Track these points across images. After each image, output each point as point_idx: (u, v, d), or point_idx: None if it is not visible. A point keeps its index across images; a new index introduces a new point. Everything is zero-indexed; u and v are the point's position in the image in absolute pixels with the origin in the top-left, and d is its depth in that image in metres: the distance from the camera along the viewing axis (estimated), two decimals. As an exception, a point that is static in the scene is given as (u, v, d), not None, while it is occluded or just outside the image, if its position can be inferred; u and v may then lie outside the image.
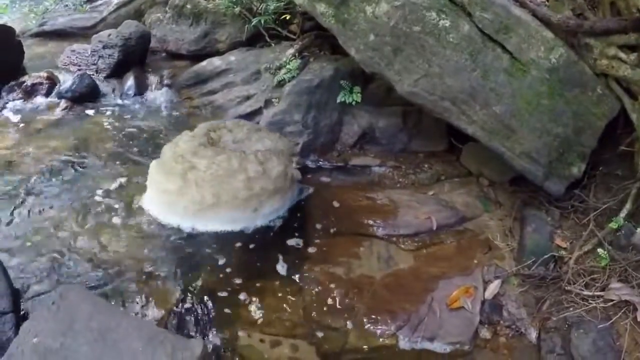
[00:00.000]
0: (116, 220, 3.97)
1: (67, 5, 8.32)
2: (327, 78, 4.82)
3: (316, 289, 3.45)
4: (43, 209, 4.07)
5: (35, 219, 3.95)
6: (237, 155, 3.92)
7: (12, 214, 4.02)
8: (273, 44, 5.71)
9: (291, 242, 3.85)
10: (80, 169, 4.60)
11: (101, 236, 3.79)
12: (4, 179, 4.44)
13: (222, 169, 3.81)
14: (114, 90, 5.92)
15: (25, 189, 4.31)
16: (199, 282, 3.46)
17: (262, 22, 5.55)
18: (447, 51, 3.81)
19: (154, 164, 4.09)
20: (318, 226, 4.01)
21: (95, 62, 6.13)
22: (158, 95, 5.86)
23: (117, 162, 4.69)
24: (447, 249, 3.85)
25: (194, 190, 3.80)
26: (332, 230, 3.97)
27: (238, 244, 3.77)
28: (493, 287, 3.45)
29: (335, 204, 4.25)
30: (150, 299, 3.30)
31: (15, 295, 3.00)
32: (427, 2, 3.89)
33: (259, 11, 5.80)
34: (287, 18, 5.53)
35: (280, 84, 5.01)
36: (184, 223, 3.88)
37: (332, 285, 3.47)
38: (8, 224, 3.90)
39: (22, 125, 5.35)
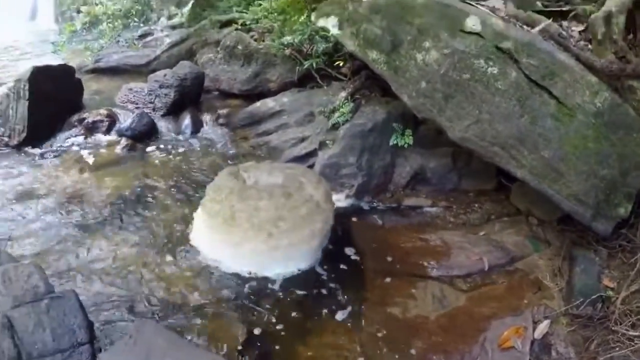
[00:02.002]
0: (173, 256, 4.38)
1: (118, 42, 8.93)
2: (379, 122, 5.21)
3: (373, 329, 3.75)
4: (109, 243, 4.51)
5: (102, 253, 4.40)
6: (281, 196, 4.25)
7: (78, 247, 4.46)
8: (324, 85, 6.18)
9: (346, 282, 4.18)
10: (143, 205, 5.07)
11: (163, 271, 4.21)
12: (70, 213, 4.93)
13: (265, 211, 4.14)
14: (171, 129, 6.47)
15: (90, 223, 4.79)
16: (260, 322, 3.77)
17: (314, 65, 6.03)
18: (496, 98, 4.18)
19: (202, 205, 4.49)
20: (373, 267, 4.33)
21: (152, 100, 6.72)
22: (214, 134, 6.38)
23: (177, 199, 5.16)
24: (498, 289, 4.14)
25: (239, 234, 4.16)
26: (387, 271, 4.28)
27: (292, 286, 4.11)
28: (542, 327, 3.69)
29: (390, 244, 4.58)
30: (216, 335, 3.62)
31: (91, 327, 3.28)
32: (475, 50, 4.28)
33: (308, 52, 6.30)
34: (341, 64, 5.99)
35: (334, 126, 5.43)
36: (234, 263, 4.25)
37: (389, 325, 3.79)
38: (75, 257, 4.34)
39: (85, 161, 5.91)
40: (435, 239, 4.64)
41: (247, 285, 4.11)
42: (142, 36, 9.84)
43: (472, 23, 4.33)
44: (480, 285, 4.18)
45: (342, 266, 4.35)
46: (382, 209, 5.13)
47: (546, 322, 3.74)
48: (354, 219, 4.96)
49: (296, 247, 4.23)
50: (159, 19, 11.03)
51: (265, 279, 4.16)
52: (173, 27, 10.45)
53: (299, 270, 4.27)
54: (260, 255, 4.18)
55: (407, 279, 4.23)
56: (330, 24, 5.28)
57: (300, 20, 6.39)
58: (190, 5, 10.69)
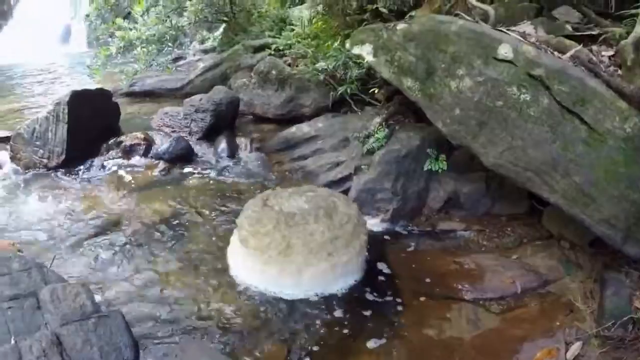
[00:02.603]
0: (213, 279, 4.57)
1: (152, 66, 9.27)
2: (414, 147, 5.43)
3: (410, 349, 3.91)
4: (150, 264, 4.74)
5: (143, 274, 4.60)
6: (324, 217, 4.46)
7: (120, 268, 4.71)
8: (358, 111, 6.43)
9: (383, 305, 4.34)
10: (182, 228, 5.31)
11: (204, 293, 4.39)
12: (111, 234, 5.20)
13: (320, 233, 4.33)
14: (207, 153, 6.76)
15: (130, 244, 5.04)
16: (299, 343, 3.91)
17: (349, 91, 6.28)
18: (529, 124, 4.35)
19: (243, 240, 4.58)
20: (409, 289, 4.51)
21: (188, 124, 7.04)
22: (249, 159, 6.63)
23: (215, 223, 5.39)
24: (531, 311, 4.26)
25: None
26: (423, 293, 4.44)
27: (328, 307, 4.27)
28: (574, 349, 3.80)
29: (425, 268, 4.76)
30: (257, 355, 3.80)
31: (136, 346, 3.45)
32: (508, 78, 4.47)
33: (342, 78, 6.56)
34: (375, 91, 6.24)
35: (370, 152, 5.65)
36: (269, 286, 4.42)
37: (425, 346, 3.93)
38: (117, 277, 4.58)
39: (123, 183, 6.20)
40: (469, 262, 4.80)
41: (277, 305, 4.29)
42: (175, 60, 10.27)
43: (504, 51, 4.52)
44: (513, 308, 4.29)
45: (379, 289, 4.52)
46: (416, 233, 5.32)
47: (578, 344, 3.85)
48: (389, 243, 5.15)
49: (351, 263, 4.51)
50: (191, 43, 11.44)
51: (296, 300, 4.35)
52: (205, 51, 10.90)
53: (355, 280, 4.55)
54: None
55: (442, 301, 4.39)
56: (365, 51, 5.54)
57: (333, 46, 6.63)
58: (221, 29, 11.11)
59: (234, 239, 4.71)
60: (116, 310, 3.66)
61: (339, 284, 4.48)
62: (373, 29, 5.65)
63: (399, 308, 4.32)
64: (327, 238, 4.34)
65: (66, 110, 6.59)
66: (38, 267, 3.91)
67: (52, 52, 18.10)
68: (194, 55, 11.12)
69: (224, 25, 11.00)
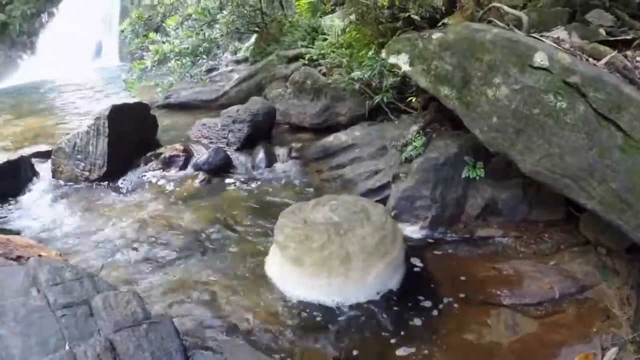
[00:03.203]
0: (254, 286, 4.77)
1: (184, 78, 9.56)
2: (452, 155, 5.60)
3: (449, 354, 4.08)
4: (195, 272, 4.99)
5: (189, 282, 4.86)
6: (366, 223, 4.69)
7: (166, 276, 4.96)
8: (395, 119, 6.62)
9: (422, 310, 4.50)
10: (223, 237, 5.55)
11: (248, 300, 4.61)
12: (155, 244, 5.46)
13: (370, 237, 4.57)
14: (245, 163, 7.01)
15: (174, 253, 5.29)
16: (344, 348, 4.11)
17: (385, 99, 6.48)
18: (565, 131, 4.48)
19: (280, 246, 4.80)
20: (448, 295, 4.66)
21: (226, 135, 7.33)
22: (287, 168, 6.88)
23: (256, 232, 5.60)
24: (568, 317, 4.39)
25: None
26: (462, 299, 4.61)
27: (367, 312, 4.45)
28: (610, 354, 3.90)
29: (464, 274, 4.93)
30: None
31: (185, 351, 3.53)
32: (544, 85, 4.60)
33: (377, 86, 6.76)
34: (412, 100, 6.41)
35: (408, 160, 5.82)
36: (307, 294, 4.61)
37: (464, 350, 4.11)
38: (163, 285, 4.82)
39: (164, 194, 6.49)
40: (507, 268, 4.94)
41: (317, 313, 4.47)
42: (208, 71, 10.54)
43: (540, 58, 4.66)
44: (551, 313, 4.43)
45: (419, 294, 4.68)
46: (455, 240, 5.47)
47: (614, 349, 3.95)
48: (428, 249, 5.31)
49: (396, 263, 4.77)
50: (223, 54, 11.73)
51: (337, 307, 4.54)
52: (237, 62, 11.18)
53: (368, 298, 4.62)
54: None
55: (481, 306, 4.55)
56: (401, 60, 5.75)
57: (368, 54, 6.79)
58: (253, 40, 11.38)
59: (275, 251, 4.91)
60: (166, 317, 3.87)
61: (394, 280, 4.74)
62: (409, 39, 5.86)
63: (439, 313, 4.49)
64: (377, 238, 4.58)
65: (106, 124, 6.93)
66: (89, 276, 4.09)
67: (85, 67, 18.63)
68: (227, 66, 11.39)
69: (255, 35, 11.29)
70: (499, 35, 5.01)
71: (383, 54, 6.15)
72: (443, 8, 6.71)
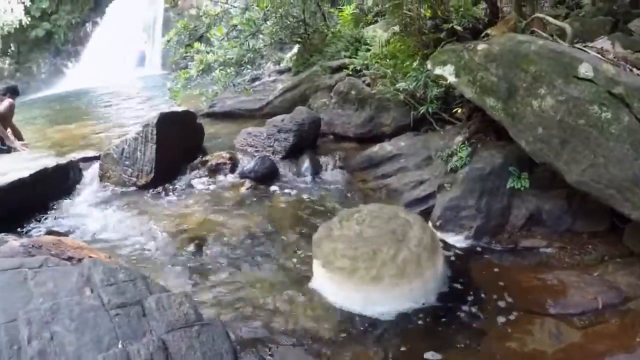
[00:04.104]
0: (300, 293, 4.87)
1: (227, 87, 9.82)
2: (497, 165, 5.72)
3: None
4: (242, 278, 5.13)
5: (236, 286, 5.01)
6: (410, 230, 4.84)
7: (211, 280, 5.13)
8: (440, 130, 6.77)
9: (467, 318, 4.60)
10: (270, 244, 5.69)
11: (295, 306, 4.72)
12: (203, 249, 5.63)
13: (404, 251, 4.64)
14: (291, 171, 7.19)
15: (223, 259, 5.46)
16: (387, 357, 4.20)
17: (430, 110, 6.64)
18: (610, 142, 4.60)
19: (327, 258, 4.86)
20: (493, 303, 4.75)
21: (271, 144, 7.54)
22: (332, 177, 7.01)
23: (302, 240, 5.69)
24: (611, 327, 4.41)
25: (352, 274, 4.63)
26: (506, 308, 4.69)
27: (411, 322, 4.53)
28: None
29: (508, 283, 5.01)
30: None
31: (235, 353, 3.59)
32: (589, 96, 4.75)
33: (421, 97, 6.93)
34: (458, 111, 6.57)
35: (453, 170, 5.97)
36: (351, 304, 4.67)
37: (508, 358, 4.20)
38: (212, 288, 4.99)
39: (211, 201, 6.70)
40: (551, 278, 5.02)
41: (360, 324, 4.54)
42: (251, 81, 10.79)
43: (584, 70, 4.82)
44: (594, 324, 4.46)
45: (463, 303, 4.79)
46: (499, 250, 5.57)
47: None
48: (472, 259, 5.43)
49: (439, 273, 4.89)
50: (265, 64, 11.99)
51: (378, 316, 4.60)
52: (280, 72, 11.45)
53: (412, 306, 4.69)
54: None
55: (525, 315, 4.63)
56: (447, 72, 5.92)
57: (412, 65, 6.99)
58: (295, 50, 11.63)
59: (318, 261, 5.01)
60: (217, 319, 4.04)
61: (437, 289, 4.84)
62: (454, 50, 6.03)
63: (483, 321, 4.60)
64: (423, 246, 4.71)
65: (154, 132, 7.22)
66: (142, 277, 4.25)
67: (128, 75, 19.20)
68: (269, 76, 11.64)
69: (297, 46, 11.53)
70: (544, 46, 5.18)
71: (428, 65, 6.30)
72: (485, 19, 6.86)
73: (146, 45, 20.78)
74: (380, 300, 4.63)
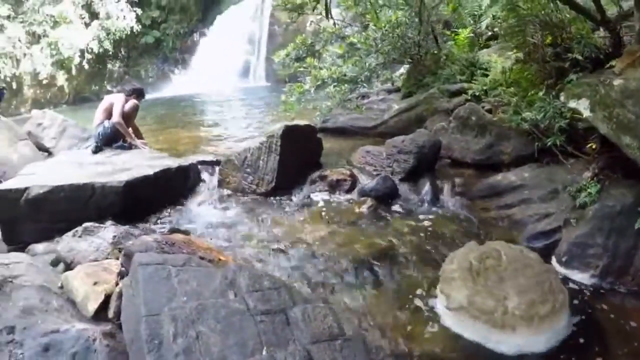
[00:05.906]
0: (418, 318, 4.93)
1: (341, 103, 10.08)
2: (627, 205, 5.66)
3: None
4: (362, 297, 5.20)
5: (351, 308, 5.03)
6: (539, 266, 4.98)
7: (335, 297, 5.17)
8: (567, 163, 6.76)
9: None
10: (390, 265, 5.73)
11: (413, 332, 4.76)
12: (324, 265, 5.74)
13: (537, 287, 4.74)
14: (410, 194, 7.35)
15: (342, 276, 5.55)
16: None
17: (557, 142, 6.67)
18: None
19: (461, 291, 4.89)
20: (616, 346, 4.71)
21: (391, 164, 7.77)
22: (452, 203, 7.12)
23: (422, 266, 5.72)
24: None
25: (475, 308, 4.68)
26: (630, 353, 4.61)
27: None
28: None
29: (632, 327, 4.95)
30: None
31: None
32: None
33: (545, 128, 6.94)
34: (593, 146, 6.52)
35: (581, 206, 5.96)
36: (473, 336, 4.69)
37: None
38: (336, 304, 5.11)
39: (331, 216, 6.90)
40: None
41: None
42: (360, 99, 11.03)
43: None
44: None
45: (586, 344, 4.76)
46: (623, 292, 5.52)
47: None
48: (597, 299, 5.40)
49: (561, 314, 4.84)
50: (377, 82, 12.23)
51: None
52: (388, 92, 11.61)
53: (564, 332, 4.79)
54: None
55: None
56: (581, 106, 5.96)
57: (538, 95, 7.00)
58: (403, 70, 11.80)
59: (442, 290, 5.10)
60: (359, 335, 4.26)
61: (560, 330, 4.80)
62: (589, 84, 6.08)
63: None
64: (560, 302, 4.77)
65: (279, 143, 7.64)
66: (286, 286, 4.54)
67: (232, 85, 19.91)
68: (377, 94, 11.85)
69: (406, 66, 11.72)
70: (683, 83, 5.17)
71: (562, 98, 6.35)
72: (607, 49, 6.81)
73: (251, 57, 21.46)
74: (502, 338, 4.62)
